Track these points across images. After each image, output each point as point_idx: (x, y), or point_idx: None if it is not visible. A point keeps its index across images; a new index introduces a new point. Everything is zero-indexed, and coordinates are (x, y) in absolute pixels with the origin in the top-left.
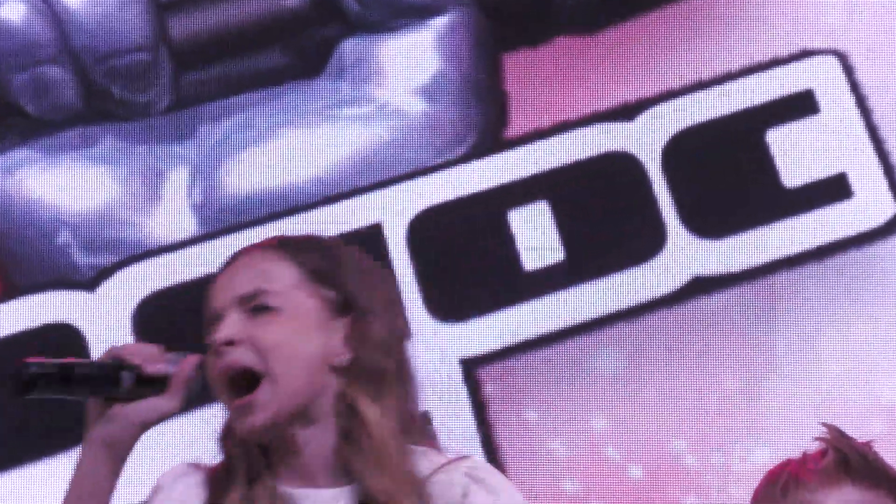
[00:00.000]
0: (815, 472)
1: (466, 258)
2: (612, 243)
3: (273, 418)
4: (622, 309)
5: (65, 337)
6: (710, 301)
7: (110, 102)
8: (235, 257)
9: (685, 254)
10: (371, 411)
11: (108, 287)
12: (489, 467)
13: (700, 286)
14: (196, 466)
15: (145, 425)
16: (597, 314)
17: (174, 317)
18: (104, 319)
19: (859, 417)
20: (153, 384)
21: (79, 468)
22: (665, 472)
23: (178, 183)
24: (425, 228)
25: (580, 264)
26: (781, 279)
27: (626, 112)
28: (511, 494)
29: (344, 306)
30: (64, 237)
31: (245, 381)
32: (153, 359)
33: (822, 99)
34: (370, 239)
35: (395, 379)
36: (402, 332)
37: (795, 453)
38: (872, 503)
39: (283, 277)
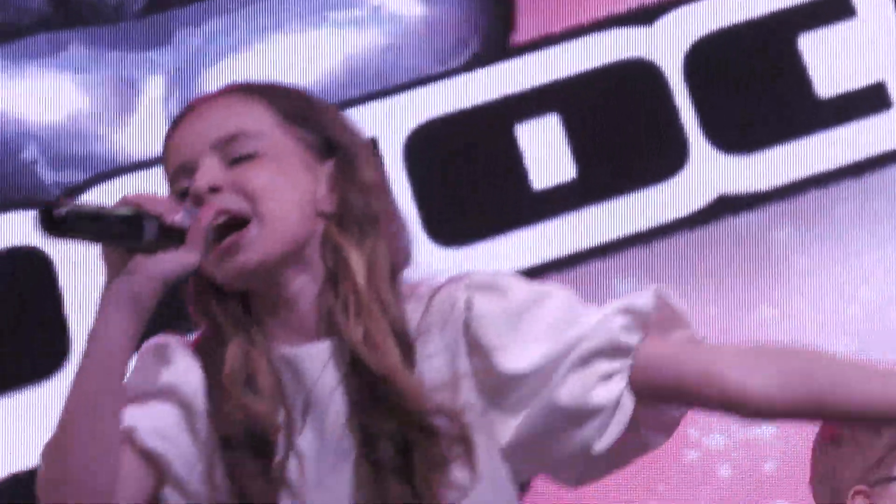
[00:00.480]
0: None
1: (470, 177)
2: (629, 160)
3: (263, 257)
4: (640, 231)
5: (31, 262)
6: (737, 222)
7: (79, 4)
8: (193, 106)
9: (709, 171)
10: (355, 256)
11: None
12: (492, 272)
13: (726, 206)
14: (178, 337)
15: (167, 280)
16: (612, 237)
17: None
18: (73, 243)
19: (869, 348)
20: (173, 236)
21: (98, 327)
22: None
23: (153, 93)
24: (424, 144)
25: (594, 183)
26: (815, 198)
27: (646, 15)
28: (520, 288)
29: (327, 149)
30: (29, 152)
31: (232, 230)
32: (171, 209)
33: (858, 1)
34: None
35: (384, 224)
36: (385, 177)
37: None
38: None
39: (259, 119)
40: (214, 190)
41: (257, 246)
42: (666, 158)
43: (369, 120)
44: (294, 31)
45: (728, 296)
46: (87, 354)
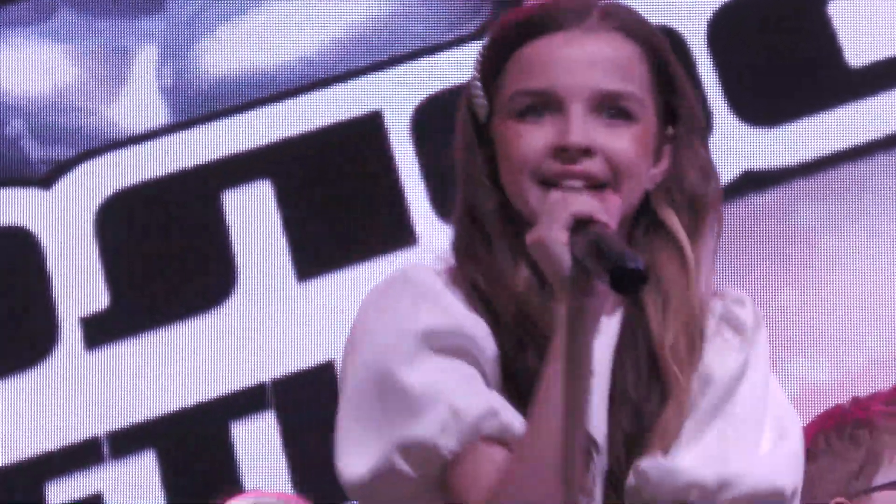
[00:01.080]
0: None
1: None
2: None
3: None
4: None
5: (16, 242)
6: (764, 198)
7: None
8: (589, 25)
9: (734, 144)
10: (686, 246)
11: (66, 184)
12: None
13: (752, 181)
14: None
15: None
16: None
17: (142, 219)
18: (61, 222)
19: None
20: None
21: (581, 350)
22: None
23: (145, 63)
24: (432, 117)
25: None
26: (846, 172)
27: None
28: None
29: (672, 118)
30: (14, 126)
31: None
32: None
33: None
34: (368, 129)
35: (711, 213)
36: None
37: (858, 361)
38: None
39: (643, 80)
40: (588, 152)
41: (610, 219)
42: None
43: (374, 91)
44: (304, 3)
45: (754, 272)
46: (563, 389)
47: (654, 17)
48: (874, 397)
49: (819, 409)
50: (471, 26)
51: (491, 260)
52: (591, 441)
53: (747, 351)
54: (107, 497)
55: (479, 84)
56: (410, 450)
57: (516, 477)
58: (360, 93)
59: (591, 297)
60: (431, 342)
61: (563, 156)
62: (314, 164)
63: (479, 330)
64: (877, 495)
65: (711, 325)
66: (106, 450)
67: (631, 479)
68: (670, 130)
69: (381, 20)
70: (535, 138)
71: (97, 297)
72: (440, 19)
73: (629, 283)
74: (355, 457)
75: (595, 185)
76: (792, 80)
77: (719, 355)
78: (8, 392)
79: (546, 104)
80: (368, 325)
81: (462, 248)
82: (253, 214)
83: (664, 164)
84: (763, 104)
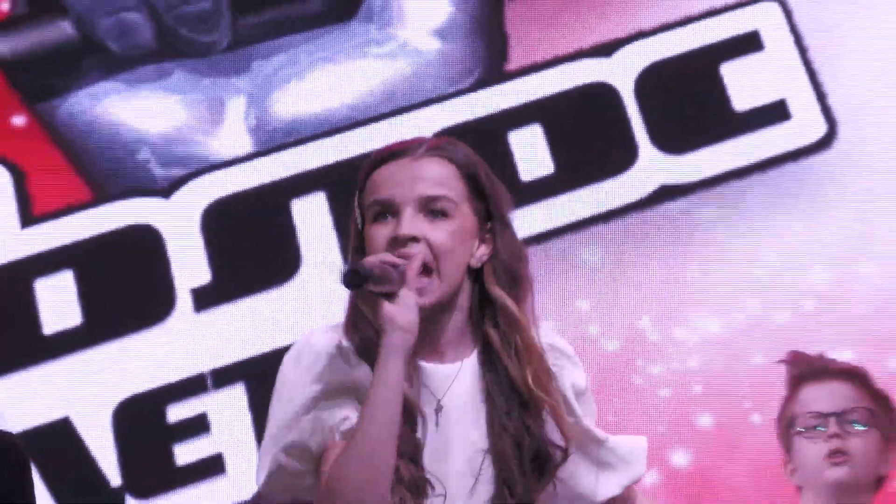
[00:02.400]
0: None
1: None
2: (593, 158)
3: (435, 301)
4: (602, 212)
5: (145, 236)
6: (674, 205)
7: (180, 42)
8: (418, 154)
9: (653, 167)
10: (510, 303)
11: (181, 194)
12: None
13: (666, 193)
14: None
15: (417, 324)
16: (581, 216)
17: (233, 219)
18: (177, 221)
19: (793, 297)
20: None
21: (386, 372)
22: (634, 345)
23: (236, 109)
24: None
25: (567, 176)
26: (732, 187)
27: (605, 49)
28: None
29: (487, 217)
30: (144, 154)
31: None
32: (392, 261)
33: (766, 38)
34: None
35: (526, 286)
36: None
37: (742, 327)
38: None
39: (457, 189)
40: (415, 239)
41: (433, 293)
42: (621, 157)
43: (397, 130)
44: (341, 62)
45: (667, 259)
46: (377, 395)
47: (598, 78)
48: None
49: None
50: (466, 83)
51: (363, 328)
52: (424, 480)
53: (579, 366)
54: (210, 416)
55: (356, 203)
56: (291, 449)
57: (346, 450)
58: (386, 131)
59: (393, 332)
60: (325, 389)
61: (396, 244)
62: (353, 179)
63: (359, 380)
64: None
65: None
66: (209, 382)
67: (534, 486)
68: (488, 225)
69: (402, 79)
70: (380, 235)
71: (202, 274)
72: (444, 79)
73: (352, 282)
74: (258, 468)
75: (424, 270)
76: (695, 120)
77: (565, 373)
78: (141, 342)
79: (388, 210)
80: (279, 382)
81: (347, 321)
82: (312, 217)
83: (487, 249)
84: (674, 137)
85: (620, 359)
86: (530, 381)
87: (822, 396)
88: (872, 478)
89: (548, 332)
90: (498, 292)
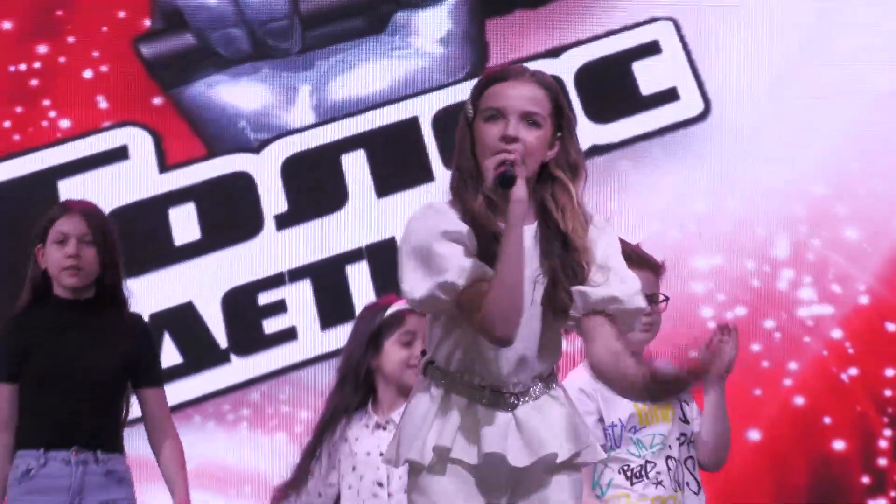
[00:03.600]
0: None
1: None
2: None
3: (524, 176)
4: None
5: (242, 179)
6: (600, 159)
7: (266, 48)
8: (524, 78)
9: (586, 132)
10: (570, 186)
11: (267, 151)
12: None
13: (595, 151)
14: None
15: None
16: None
17: (302, 168)
18: (265, 169)
19: (681, 221)
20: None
21: (515, 233)
22: None
23: (303, 93)
24: (442, 120)
25: None
26: (639, 146)
27: (555, 52)
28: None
29: (559, 128)
30: (242, 123)
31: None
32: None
33: (663, 45)
34: (410, 127)
35: (581, 173)
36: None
37: (645, 243)
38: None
39: (546, 108)
40: (515, 140)
41: (523, 172)
42: None
43: (413, 107)
44: (376, 61)
45: (596, 195)
46: (512, 249)
47: (548, 71)
48: None
49: None
50: (460, 76)
51: (465, 194)
52: (530, 278)
53: (609, 232)
54: (287, 301)
55: (469, 102)
56: (444, 286)
57: (492, 292)
58: (406, 107)
59: (515, 206)
60: (446, 235)
61: (504, 140)
62: (382, 140)
63: (469, 234)
64: None
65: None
66: (286, 278)
67: (571, 297)
68: (559, 134)
69: (417, 72)
70: (492, 131)
71: (281, 205)
72: (444, 72)
73: (507, 182)
74: (414, 286)
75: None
76: (615, 100)
77: (595, 236)
78: (240, 251)
79: (500, 114)
80: (415, 224)
81: (454, 190)
82: (355, 167)
83: (557, 149)
84: (600, 112)
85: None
86: (570, 229)
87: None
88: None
89: (591, 211)
90: (561, 175)
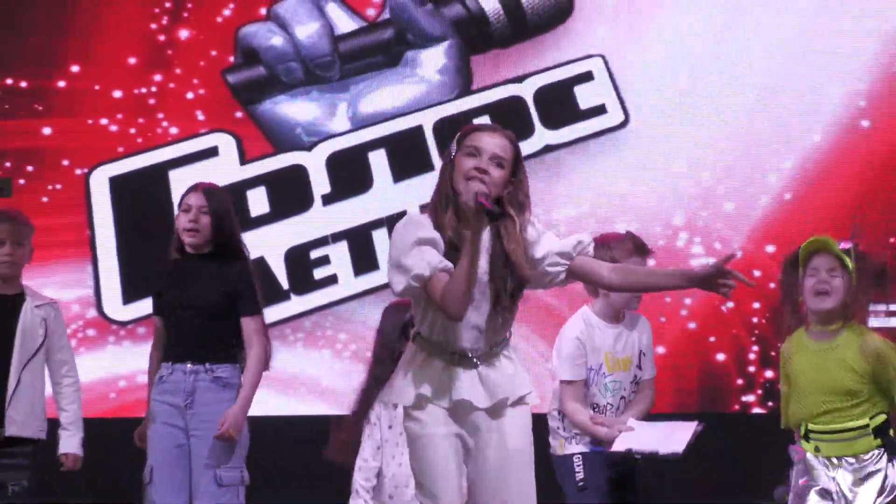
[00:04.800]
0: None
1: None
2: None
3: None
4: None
5: (299, 170)
6: (551, 155)
7: (316, 77)
8: (497, 132)
9: (541, 135)
10: (517, 217)
11: (316, 149)
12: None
13: (548, 149)
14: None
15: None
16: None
17: (341, 161)
18: (315, 163)
19: (611, 203)
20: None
21: (474, 247)
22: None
23: (342, 108)
24: (440, 127)
25: None
26: (579, 146)
27: (519, 79)
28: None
29: (514, 173)
30: (298, 130)
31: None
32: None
33: (595, 74)
34: (417, 132)
35: (527, 208)
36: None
37: (584, 220)
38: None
39: (510, 155)
40: (486, 172)
41: (489, 195)
42: (526, 130)
43: (419, 119)
44: (394, 85)
45: (547, 182)
46: (471, 251)
47: (514, 93)
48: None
49: None
50: (452, 95)
51: (439, 210)
52: (484, 269)
53: (545, 234)
54: (330, 256)
55: (455, 144)
56: (416, 277)
57: (449, 282)
58: (414, 119)
59: (479, 223)
60: (420, 241)
61: (478, 171)
62: (397, 142)
63: (439, 239)
64: None
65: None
66: (330, 239)
67: (512, 300)
68: (513, 178)
69: (422, 93)
70: (469, 163)
71: (326, 188)
72: (441, 93)
73: (492, 216)
74: (395, 281)
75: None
76: (562, 113)
77: (534, 239)
78: (296, 220)
79: (476, 153)
80: (397, 234)
81: (433, 206)
82: (379, 162)
83: (510, 189)
84: (551, 121)
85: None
86: (511, 250)
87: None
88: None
89: (541, 227)
90: (511, 212)
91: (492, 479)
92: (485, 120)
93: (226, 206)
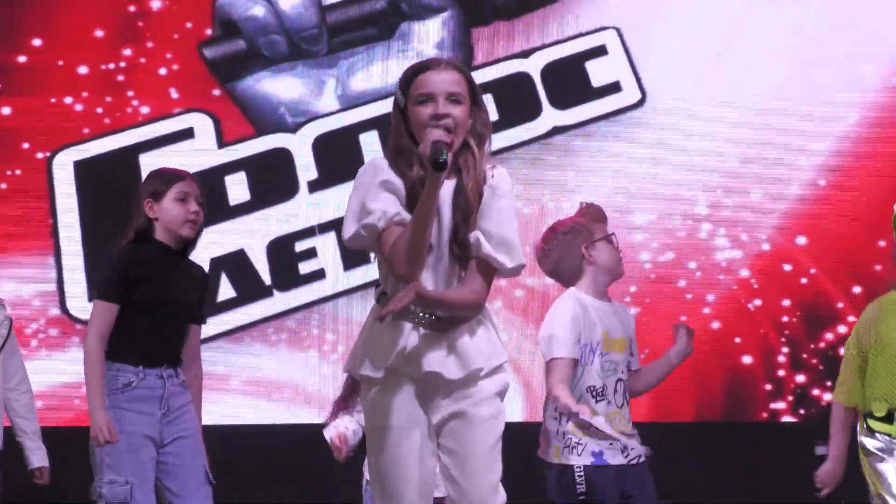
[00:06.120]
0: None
1: None
2: (517, 111)
3: (452, 149)
4: (523, 140)
5: (282, 153)
6: (560, 137)
7: (301, 52)
8: (443, 67)
9: (549, 116)
10: (476, 149)
11: (301, 131)
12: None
13: (556, 131)
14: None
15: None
16: (512, 142)
17: (329, 144)
18: (299, 145)
19: (624, 184)
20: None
21: (431, 193)
22: (544, 207)
23: (330, 86)
24: None
25: (503, 123)
26: (591, 127)
27: (525, 54)
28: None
29: (473, 102)
30: (281, 110)
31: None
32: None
33: (609, 48)
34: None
35: (487, 137)
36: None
37: (598, 200)
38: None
39: (464, 87)
40: (446, 116)
41: (453, 146)
42: (533, 111)
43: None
44: (387, 60)
45: (556, 165)
46: (426, 204)
47: (521, 70)
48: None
49: None
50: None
51: (403, 167)
52: (446, 226)
53: (502, 191)
54: (317, 248)
55: (400, 92)
56: (366, 226)
57: (403, 235)
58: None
59: (435, 173)
60: (383, 185)
61: (436, 118)
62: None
63: (399, 186)
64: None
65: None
66: (317, 230)
67: (470, 239)
68: (475, 108)
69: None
70: (424, 112)
71: (312, 174)
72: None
73: (439, 167)
74: (346, 227)
75: (448, 130)
76: (573, 90)
77: (488, 196)
78: (281, 208)
79: (429, 98)
80: (359, 180)
81: (391, 158)
82: (370, 144)
83: (470, 119)
84: (561, 100)
85: (534, 222)
86: (468, 186)
87: (606, 226)
88: None
89: (492, 172)
90: (471, 141)
91: (459, 461)
92: (488, 101)
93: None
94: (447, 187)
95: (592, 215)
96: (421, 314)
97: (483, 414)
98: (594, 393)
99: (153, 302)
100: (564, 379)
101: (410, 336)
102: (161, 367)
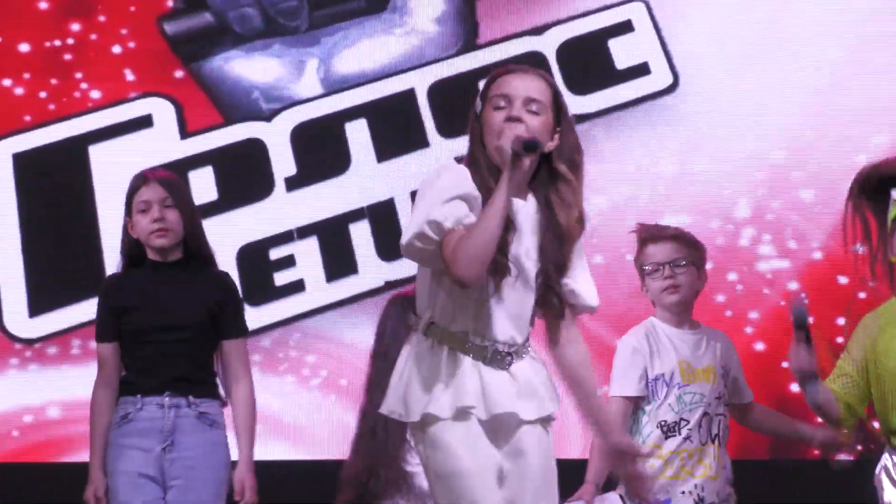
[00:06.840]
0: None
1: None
2: None
3: (528, 168)
4: None
5: (255, 145)
6: (579, 128)
7: (277, 27)
8: (527, 72)
9: (568, 103)
10: (570, 178)
11: (278, 119)
12: None
13: (578, 118)
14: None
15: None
16: None
17: (309, 135)
18: (275, 136)
19: (651, 182)
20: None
21: (504, 192)
22: None
23: (311, 67)
24: (437, 92)
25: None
26: (615, 115)
27: (538, 30)
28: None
29: (558, 121)
30: (255, 94)
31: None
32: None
33: (636, 24)
34: (407, 97)
35: (580, 165)
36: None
37: (618, 201)
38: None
39: (547, 98)
40: (519, 120)
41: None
42: None
43: (410, 79)
44: (377, 37)
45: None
46: (496, 205)
47: (534, 48)
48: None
49: None
50: (452, 51)
51: (478, 169)
52: (524, 251)
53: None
54: (296, 256)
55: (479, 98)
56: (431, 223)
57: (466, 236)
58: (404, 80)
59: (515, 171)
60: (461, 194)
61: (510, 120)
62: (382, 110)
63: (479, 198)
64: None
65: None
66: (295, 235)
67: (560, 298)
68: (558, 128)
69: (414, 48)
70: (498, 116)
71: (290, 169)
72: (439, 48)
73: (531, 147)
74: (411, 223)
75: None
76: (594, 73)
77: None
78: (253, 210)
79: (504, 101)
80: (443, 174)
81: (469, 163)
82: (357, 134)
83: (557, 142)
84: (581, 84)
85: None
86: (567, 224)
87: (657, 252)
88: (694, 295)
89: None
90: (563, 168)
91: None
92: None
93: (189, 194)
94: (527, 210)
95: (640, 238)
96: (489, 346)
97: (544, 458)
98: (665, 429)
99: (143, 330)
100: (617, 419)
101: (473, 372)
102: (162, 395)
